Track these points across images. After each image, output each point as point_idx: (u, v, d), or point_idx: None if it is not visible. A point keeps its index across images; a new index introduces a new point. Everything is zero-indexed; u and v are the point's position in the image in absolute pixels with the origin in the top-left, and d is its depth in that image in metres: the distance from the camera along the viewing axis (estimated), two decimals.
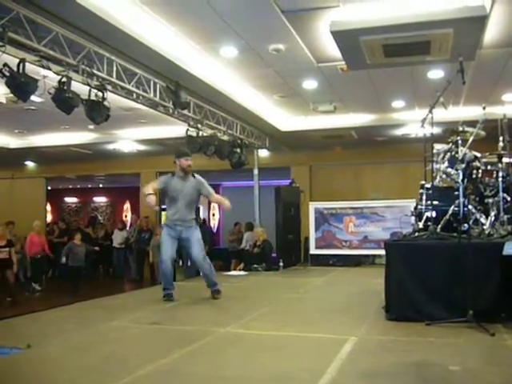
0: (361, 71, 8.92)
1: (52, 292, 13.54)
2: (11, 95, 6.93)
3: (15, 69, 6.37)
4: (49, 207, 22.00)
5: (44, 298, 12.97)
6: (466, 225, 5.47)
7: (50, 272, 16.24)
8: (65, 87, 7.06)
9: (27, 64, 6.49)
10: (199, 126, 10.79)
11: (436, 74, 9.11)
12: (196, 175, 7.44)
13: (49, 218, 21.51)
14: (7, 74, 6.34)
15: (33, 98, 7.30)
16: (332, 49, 7.81)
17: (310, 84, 9.97)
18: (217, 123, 11.41)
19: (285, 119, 12.80)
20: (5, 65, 6.32)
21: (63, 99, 7.11)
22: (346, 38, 7.17)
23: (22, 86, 6.46)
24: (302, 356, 4.39)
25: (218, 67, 8.91)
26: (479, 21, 6.63)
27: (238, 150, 12.29)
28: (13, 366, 4.21)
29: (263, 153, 15.29)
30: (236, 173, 14.71)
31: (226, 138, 12.08)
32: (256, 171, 14.54)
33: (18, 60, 6.41)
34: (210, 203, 24.20)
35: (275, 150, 15.41)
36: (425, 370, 3.91)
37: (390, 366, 4.03)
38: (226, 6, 6.60)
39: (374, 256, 12.85)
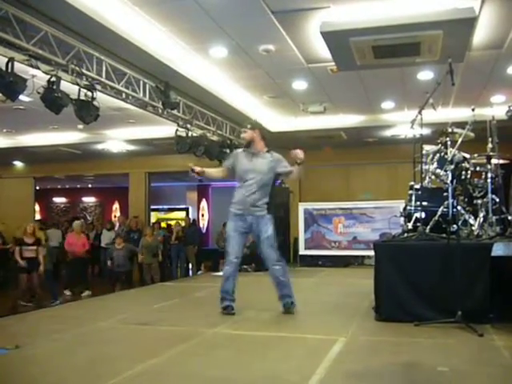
0: (351, 72, 8.95)
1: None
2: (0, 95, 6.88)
3: (4, 68, 6.34)
4: (37, 207, 21.89)
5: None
6: (454, 226, 5.48)
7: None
8: (54, 87, 7.04)
9: (16, 63, 6.46)
10: (189, 126, 10.78)
11: (425, 75, 9.15)
12: (273, 152, 6.30)
13: (37, 218, 21.37)
14: None
15: (21, 97, 7.27)
16: (322, 50, 7.84)
17: (299, 85, 9.99)
18: (206, 123, 11.41)
19: (274, 120, 12.81)
20: None
21: (52, 99, 7.09)
22: (335, 39, 7.20)
23: (10, 85, 6.43)
24: (291, 357, 4.38)
25: (207, 67, 8.91)
26: (468, 22, 6.68)
27: (228, 151, 12.28)
28: (1, 367, 4.18)
29: None
30: None
31: (215, 138, 12.08)
32: None
33: (6, 59, 6.38)
34: (199, 203, 24.21)
35: None
36: (413, 371, 3.91)
37: (378, 366, 4.03)
38: (216, 6, 6.60)
39: (363, 257, 12.89)
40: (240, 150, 6.38)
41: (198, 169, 6.14)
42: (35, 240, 11.33)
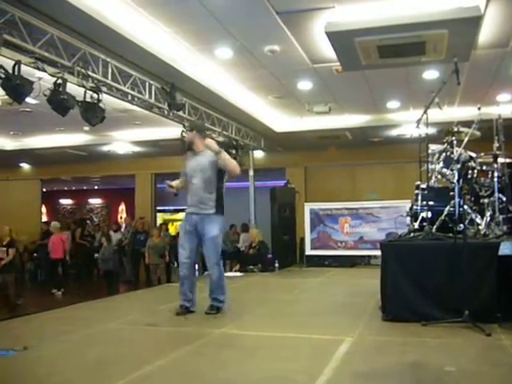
0: (356, 72, 8.95)
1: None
2: (6, 97, 6.91)
3: (10, 71, 6.36)
4: (44, 209, 21.95)
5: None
6: (461, 225, 5.47)
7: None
8: (60, 89, 7.06)
9: (22, 66, 6.48)
10: None
11: (431, 74, 9.13)
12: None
13: (44, 219, 21.42)
14: (2, 75, 6.33)
15: (28, 99, 7.30)
16: (327, 50, 7.83)
17: (305, 85, 9.99)
18: (212, 124, 11.41)
19: (280, 120, 12.82)
20: (0, 67, 6.31)
21: (58, 101, 7.11)
22: (340, 39, 7.19)
23: (17, 87, 6.45)
24: (298, 357, 4.39)
25: (213, 69, 8.92)
26: (474, 21, 6.66)
27: (234, 151, 12.28)
28: (9, 368, 4.19)
29: (258, 154, 15.30)
30: None
31: (221, 139, 12.07)
32: (251, 172, 14.54)
33: (13, 62, 6.40)
34: None
35: (270, 151, 15.41)
36: (421, 371, 3.91)
37: (385, 366, 4.03)
38: (221, 7, 6.61)
39: (370, 257, 12.86)
40: (188, 153, 6.44)
41: (173, 183, 6.31)
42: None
